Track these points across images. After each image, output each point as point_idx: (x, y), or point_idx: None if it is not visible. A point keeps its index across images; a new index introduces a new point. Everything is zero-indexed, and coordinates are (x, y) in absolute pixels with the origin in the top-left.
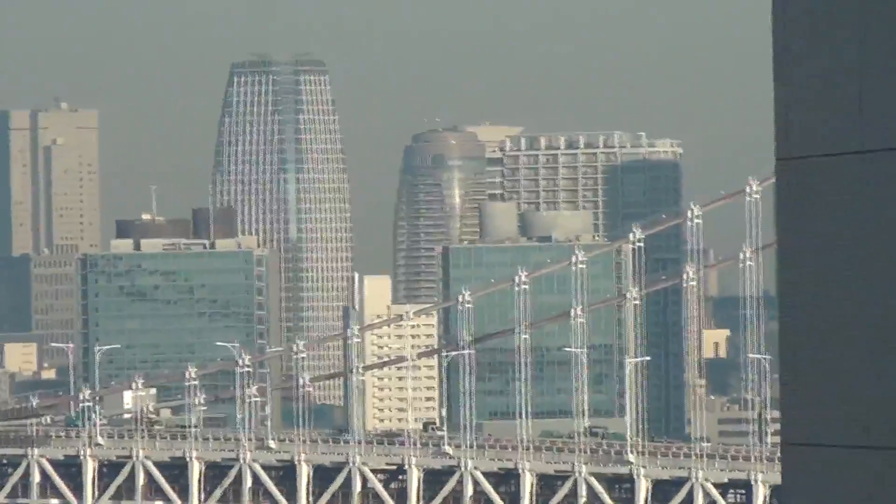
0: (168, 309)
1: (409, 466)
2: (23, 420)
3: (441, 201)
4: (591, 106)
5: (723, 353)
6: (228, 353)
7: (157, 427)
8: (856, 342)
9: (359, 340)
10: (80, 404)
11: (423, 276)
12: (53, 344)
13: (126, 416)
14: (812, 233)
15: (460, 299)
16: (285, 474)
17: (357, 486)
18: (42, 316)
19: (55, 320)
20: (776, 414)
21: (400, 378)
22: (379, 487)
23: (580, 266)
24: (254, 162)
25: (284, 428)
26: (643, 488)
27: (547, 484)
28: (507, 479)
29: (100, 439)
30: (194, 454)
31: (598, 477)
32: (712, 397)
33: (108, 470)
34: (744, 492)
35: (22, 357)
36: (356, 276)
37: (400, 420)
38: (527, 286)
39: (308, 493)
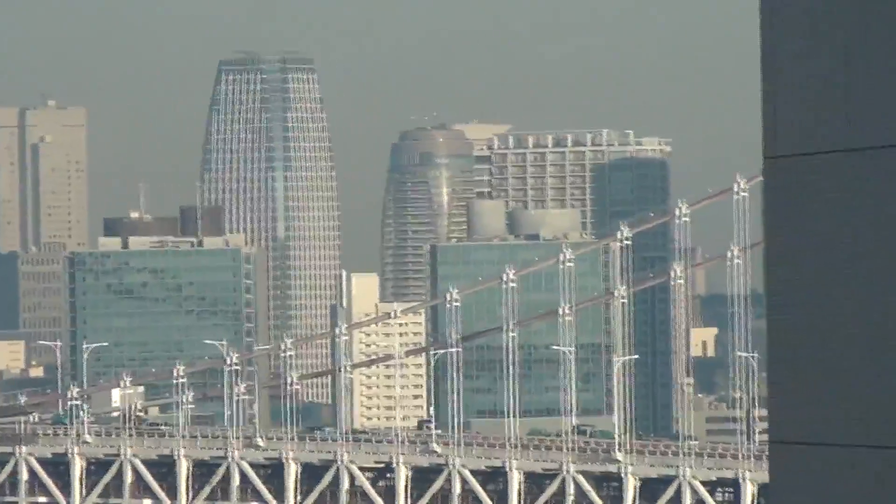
0: (156, 307)
1: (397, 464)
2: (10, 418)
3: (429, 199)
4: (579, 104)
5: (710, 352)
6: (216, 351)
7: (146, 426)
8: (844, 340)
9: (347, 338)
10: (68, 402)
11: (410, 274)
12: (41, 342)
13: (114, 413)
14: (799, 231)
15: (448, 297)
16: (273, 472)
17: (345, 484)
18: (30, 314)
19: (43, 318)
20: (764, 412)
21: (388, 376)
22: (367, 485)
23: (568, 264)
24: (242, 160)
25: (272, 426)
26: (631, 486)
27: (535, 482)
28: (494, 478)
29: (87, 437)
30: (182, 452)
31: (586, 475)
32: (700, 395)
33: (96, 468)
34: (731, 490)
35: (9, 355)
36: (344, 274)
37: (388, 419)
38: (514, 284)
39: (296, 492)
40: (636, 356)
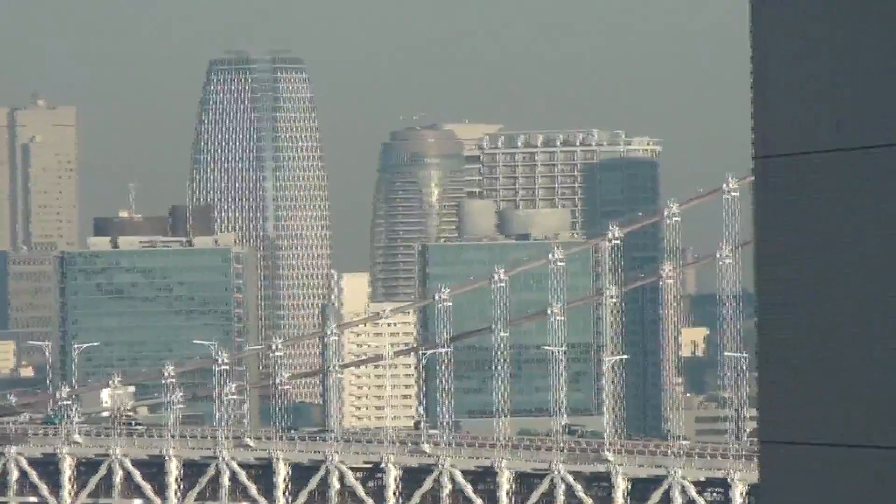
0: (146, 306)
1: (387, 465)
2: (0, 418)
3: (419, 199)
4: (569, 104)
5: (700, 352)
6: (206, 351)
7: (138, 426)
8: (833, 340)
9: (337, 338)
10: (58, 402)
11: (400, 273)
12: (31, 342)
13: (104, 413)
14: (789, 230)
15: (438, 297)
16: (263, 472)
17: (335, 484)
18: (20, 314)
19: (33, 318)
20: (754, 412)
21: (378, 376)
22: (356, 486)
23: (558, 264)
24: (232, 159)
25: (262, 426)
26: (621, 486)
27: (525, 482)
28: (484, 478)
29: (77, 437)
30: (172, 452)
31: (576, 475)
32: (690, 395)
33: (86, 468)
34: (721, 490)
35: None
36: (334, 273)
37: (378, 419)
38: (505, 284)
39: (286, 492)
40: (626, 356)
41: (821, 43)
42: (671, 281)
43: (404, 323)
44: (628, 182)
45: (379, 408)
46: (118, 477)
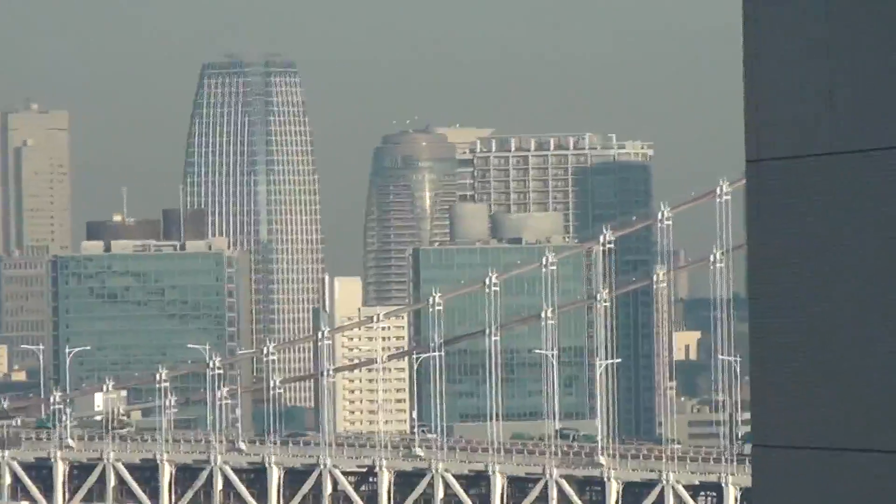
0: (138, 310)
1: (380, 469)
2: None
3: (411, 203)
4: (562, 107)
5: (693, 355)
6: (199, 354)
7: (128, 429)
8: (827, 344)
9: (329, 342)
10: (51, 406)
11: (393, 277)
12: (24, 346)
13: (97, 417)
14: (782, 234)
15: (431, 301)
16: (256, 476)
17: (328, 488)
18: (12, 317)
19: (26, 322)
20: (747, 416)
21: (371, 380)
22: (349, 490)
23: (550, 268)
24: (224, 163)
25: (255, 430)
26: (614, 490)
27: (518, 486)
28: (477, 482)
29: (70, 441)
30: (165, 456)
31: (569, 479)
32: (683, 399)
33: (79, 472)
34: (714, 494)
35: None
36: (327, 277)
37: (371, 423)
38: (497, 288)
39: (279, 496)
40: (619, 360)
41: (814, 44)
42: (664, 285)
43: (397, 327)
44: (621, 186)
45: (372, 412)
46: (111, 481)
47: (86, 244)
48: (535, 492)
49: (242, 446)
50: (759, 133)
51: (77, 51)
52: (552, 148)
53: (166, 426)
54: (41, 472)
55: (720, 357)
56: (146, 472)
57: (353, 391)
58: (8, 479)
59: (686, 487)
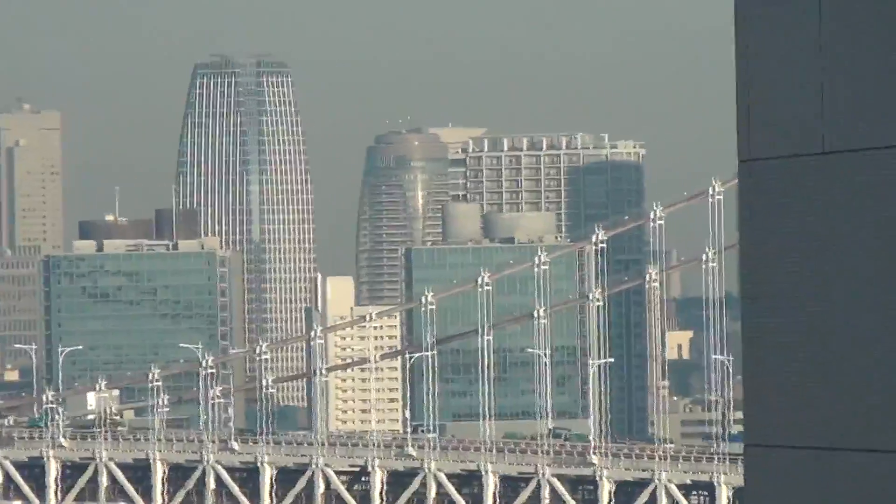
0: (131, 310)
1: (373, 468)
2: None
3: (404, 202)
4: (554, 107)
5: (686, 355)
6: (192, 354)
7: (120, 428)
8: (820, 343)
9: (322, 342)
10: (44, 406)
11: (385, 277)
12: (16, 345)
13: (89, 416)
14: (775, 234)
15: (423, 300)
16: (248, 476)
17: (320, 487)
18: (5, 317)
19: (18, 321)
20: (739, 415)
21: (363, 380)
22: (342, 489)
23: (543, 267)
24: (216, 163)
25: (248, 429)
26: (606, 490)
27: (510, 485)
28: (470, 481)
29: (63, 441)
30: (157, 455)
31: (562, 478)
32: (675, 399)
33: (71, 471)
34: (707, 493)
35: None
36: (319, 277)
37: (364, 422)
38: (490, 287)
39: (271, 495)
40: (611, 359)
41: (807, 43)
42: (656, 284)
43: (389, 326)
44: (613, 185)
45: (364, 411)
46: (104, 480)
47: (78, 244)
48: (528, 491)
49: (235, 446)
50: (752, 132)
51: (69, 51)
52: (544, 148)
53: (159, 425)
54: (33, 471)
55: (713, 356)
56: (138, 472)
57: (345, 391)
58: (0, 479)
59: (678, 487)
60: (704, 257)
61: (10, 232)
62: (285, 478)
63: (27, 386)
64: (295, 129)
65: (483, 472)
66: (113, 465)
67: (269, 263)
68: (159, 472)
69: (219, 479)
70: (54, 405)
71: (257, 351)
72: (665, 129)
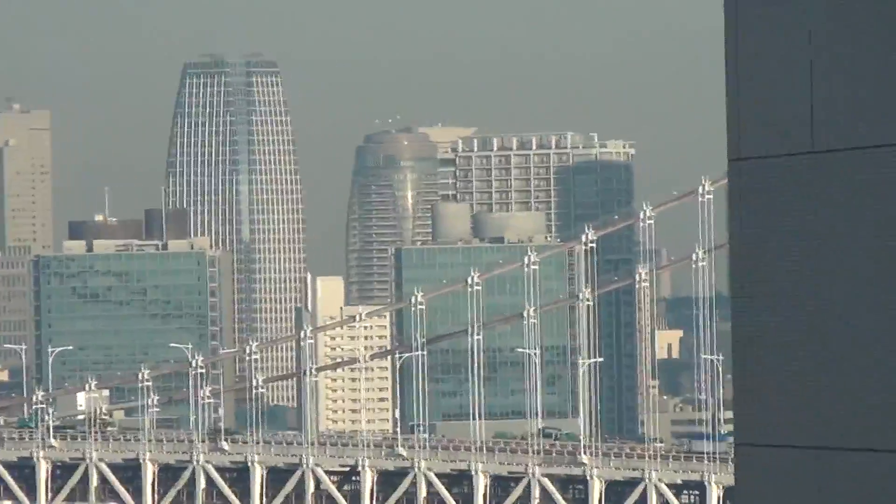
0: (121, 310)
1: (363, 468)
2: None
3: (393, 202)
4: (544, 107)
5: (676, 354)
6: (181, 354)
7: (110, 428)
8: (808, 343)
9: (312, 342)
10: (34, 406)
11: (375, 277)
12: (6, 345)
13: (79, 417)
14: (764, 233)
15: (413, 300)
16: (239, 476)
17: (310, 487)
18: None
19: (8, 322)
20: (729, 414)
21: (353, 379)
22: (332, 489)
23: (533, 267)
24: (206, 163)
25: (238, 429)
26: (596, 489)
27: (500, 485)
28: (460, 481)
29: (52, 441)
30: (147, 456)
31: (552, 478)
32: (665, 398)
33: (62, 471)
34: (697, 493)
35: None
36: (309, 277)
37: (354, 422)
38: (479, 287)
39: (262, 495)
40: (601, 359)
41: (796, 44)
42: (646, 284)
43: (379, 326)
44: (603, 185)
45: (354, 411)
46: (94, 480)
47: (68, 244)
48: (518, 490)
49: (225, 446)
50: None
51: (59, 51)
52: (534, 147)
53: (149, 425)
54: (23, 471)
55: (703, 356)
56: (129, 472)
57: (335, 390)
58: None
59: (669, 486)
60: (694, 257)
61: (0, 232)
62: (275, 478)
63: (17, 386)
64: (285, 128)
65: (473, 472)
66: (103, 466)
67: (258, 263)
68: (149, 473)
69: (209, 479)
70: (44, 405)
71: (247, 351)
72: (655, 128)
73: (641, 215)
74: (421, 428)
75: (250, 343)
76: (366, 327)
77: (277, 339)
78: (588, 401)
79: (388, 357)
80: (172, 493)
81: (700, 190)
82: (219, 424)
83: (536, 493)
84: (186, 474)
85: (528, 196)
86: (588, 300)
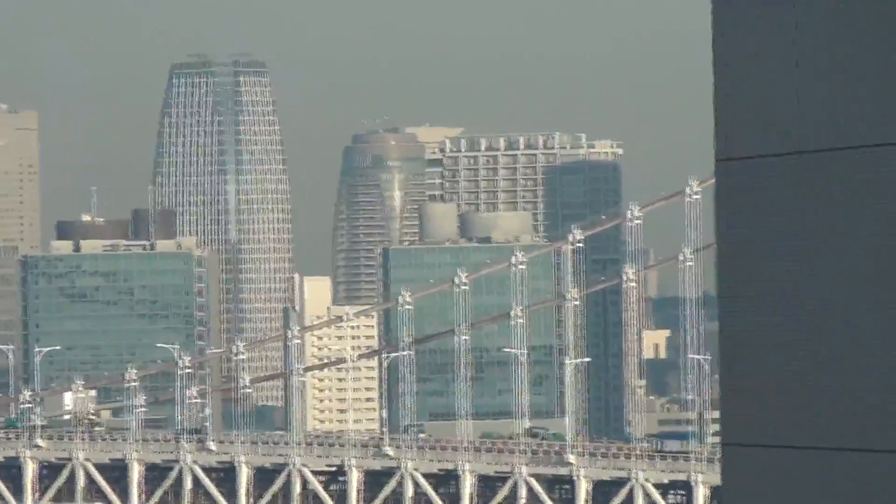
0: (108, 310)
1: (350, 468)
2: None
3: (381, 202)
4: (531, 107)
5: (663, 354)
6: (168, 354)
7: (97, 429)
8: (794, 343)
9: (299, 342)
10: (21, 406)
11: (363, 277)
12: None
13: (66, 417)
14: (751, 233)
15: (400, 300)
16: (225, 476)
17: (297, 487)
18: None
19: None
20: (716, 414)
21: (340, 379)
22: (319, 489)
23: (520, 267)
24: (194, 163)
25: (224, 429)
26: (583, 489)
27: (487, 485)
28: (447, 481)
29: (40, 441)
30: (134, 456)
31: (539, 478)
32: (652, 398)
33: (48, 471)
34: (684, 492)
35: None
36: (296, 277)
37: (341, 422)
38: (466, 287)
39: (248, 495)
40: (588, 359)
41: (782, 45)
42: (633, 284)
43: (366, 326)
44: (590, 185)
45: (341, 411)
46: (80, 480)
47: (55, 244)
48: (505, 490)
49: (212, 446)
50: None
51: (47, 51)
52: (522, 147)
53: (136, 425)
54: (10, 471)
55: (689, 356)
56: (115, 472)
57: (322, 390)
58: None
59: (655, 486)
60: (682, 257)
61: None
62: (262, 477)
63: (4, 386)
64: (272, 128)
65: (460, 472)
66: (90, 466)
67: (246, 263)
68: (136, 472)
69: (196, 479)
70: (31, 405)
71: (234, 351)
72: (642, 128)
73: (629, 215)
74: (416, 428)
75: (237, 343)
76: (353, 327)
77: (264, 339)
78: (575, 401)
79: (376, 357)
80: (159, 493)
81: (687, 190)
82: (205, 424)
83: (523, 493)
84: (173, 474)
85: (516, 196)
86: (575, 300)
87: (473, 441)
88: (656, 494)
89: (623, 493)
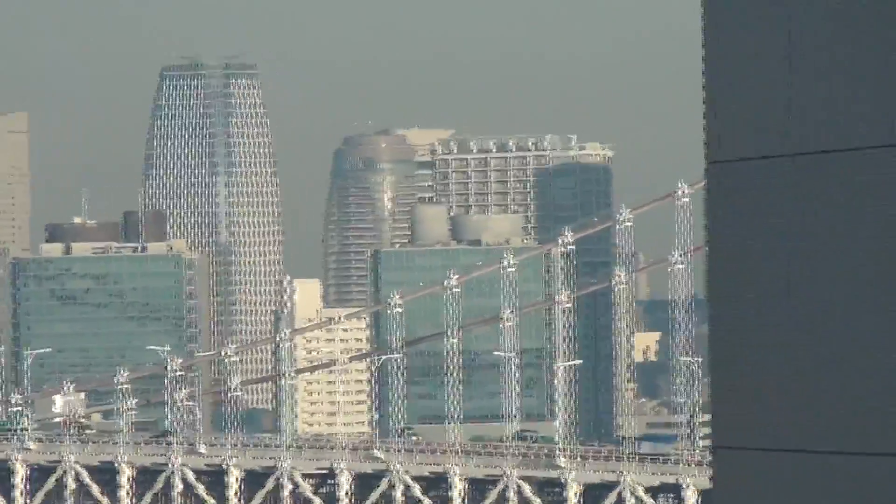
0: (98, 313)
1: (340, 471)
2: None
3: (372, 204)
4: (522, 109)
5: (653, 357)
6: (159, 357)
7: (87, 431)
8: (786, 346)
9: (289, 344)
10: (11, 408)
11: (353, 279)
12: None
13: (56, 420)
14: (742, 236)
15: (391, 303)
16: (215, 479)
17: (287, 490)
18: None
19: None
20: (706, 417)
21: (330, 382)
22: (309, 492)
23: (510, 269)
24: (184, 165)
25: (214, 432)
26: (573, 492)
27: (477, 488)
28: (437, 484)
29: (30, 444)
30: (124, 458)
31: (529, 481)
32: (642, 401)
33: (39, 474)
34: (674, 496)
35: None
36: (287, 279)
37: (331, 425)
38: (457, 289)
39: (238, 498)
40: (579, 361)
41: (773, 46)
42: (624, 286)
43: (357, 329)
44: (581, 187)
45: (331, 414)
46: (70, 483)
47: (45, 246)
48: (495, 493)
49: (202, 448)
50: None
51: (37, 53)
52: (512, 149)
53: (126, 428)
54: (0, 474)
55: (680, 358)
56: (105, 475)
57: (312, 393)
58: None
59: (645, 489)
60: (672, 259)
61: None
62: (252, 481)
63: None
64: (262, 131)
65: (450, 475)
66: (80, 468)
67: (236, 266)
68: (126, 475)
69: (185, 482)
70: (21, 408)
71: (224, 353)
72: (633, 131)
73: (619, 218)
74: (410, 431)
75: (227, 345)
76: (343, 330)
77: (255, 341)
78: (565, 404)
79: (366, 360)
80: (149, 496)
81: (678, 192)
82: (197, 427)
83: (513, 496)
84: (163, 477)
85: (507, 198)
86: (565, 303)
87: (463, 444)
88: (646, 498)
89: (613, 496)
